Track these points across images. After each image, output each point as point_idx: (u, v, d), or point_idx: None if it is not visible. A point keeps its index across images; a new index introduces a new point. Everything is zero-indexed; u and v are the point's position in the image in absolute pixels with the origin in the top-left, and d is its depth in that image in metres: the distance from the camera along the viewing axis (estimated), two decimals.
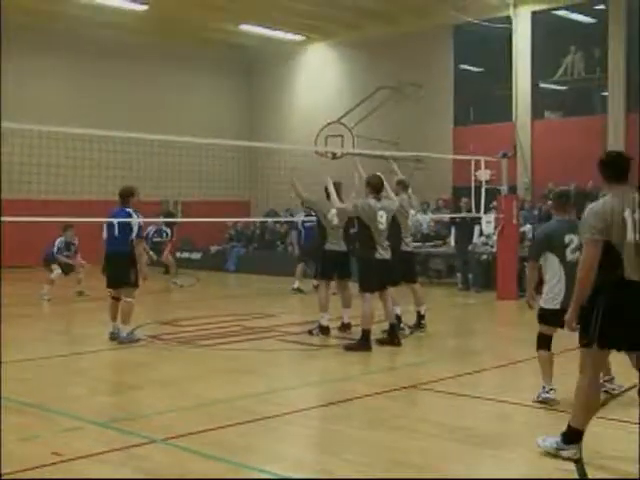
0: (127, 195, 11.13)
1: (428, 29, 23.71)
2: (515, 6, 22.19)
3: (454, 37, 24.02)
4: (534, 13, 22.25)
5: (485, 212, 17.08)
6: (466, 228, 19.03)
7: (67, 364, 9.92)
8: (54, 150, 15.11)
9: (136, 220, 10.98)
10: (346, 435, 6.62)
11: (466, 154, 17.94)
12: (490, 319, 14.90)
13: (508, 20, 22.40)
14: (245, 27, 25.22)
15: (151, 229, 18.36)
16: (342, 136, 21.13)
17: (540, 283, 7.37)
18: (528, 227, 19.73)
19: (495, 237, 17.52)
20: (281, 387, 8.61)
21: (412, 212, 12.21)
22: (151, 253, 17.74)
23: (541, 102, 22.82)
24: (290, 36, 26.53)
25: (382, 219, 10.54)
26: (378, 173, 11.26)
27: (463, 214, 17.99)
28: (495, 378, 9.21)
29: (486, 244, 19.00)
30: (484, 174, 17.08)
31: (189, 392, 8.19)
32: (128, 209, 11.07)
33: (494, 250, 17.78)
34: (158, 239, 18.71)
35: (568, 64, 22.05)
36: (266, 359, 10.38)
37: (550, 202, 13.95)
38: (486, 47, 23.62)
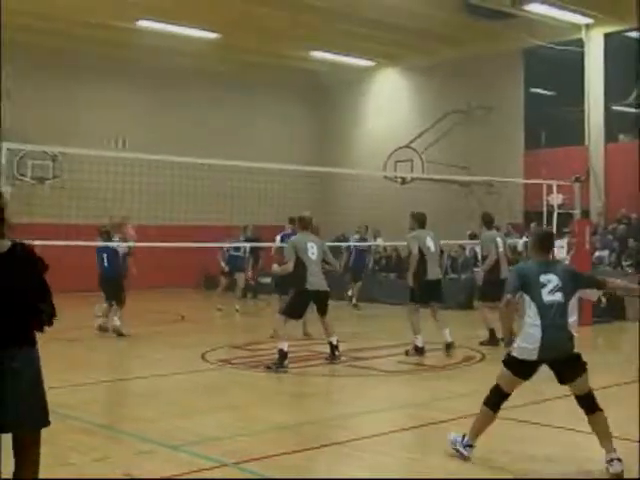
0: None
1: (498, 53, 23.59)
2: (587, 28, 21.94)
3: (524, 60, 23.85)
4: (606, 35, 21.97)
5: (558, 237, 16.84)
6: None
7: (137, 387, 10.05)
8: (129, 177, 15.46)
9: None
10: (418, 463, 6.56)
11: (538, 178, 17.76)
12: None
13: (580, 43, 22.16)
14: (315, 53, 25.44)
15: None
16: (412, 161, 21.13)
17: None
18: (605, 252, 19.44)
19: (568, 262, 17.26)
20: (350, 412, 8.58)
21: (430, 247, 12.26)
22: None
23: (614, 125, 22.47)
24: (360, 62, 26.68)
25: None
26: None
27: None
28: (562, 406, 9.02)
29: None
30: (556, 198, 16.89)
31: (259, 416, 8.23)
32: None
33: None
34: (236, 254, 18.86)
35: None
36: (336, 384, 10.37)
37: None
38: (557, 70, 23.37)
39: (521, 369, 6.31)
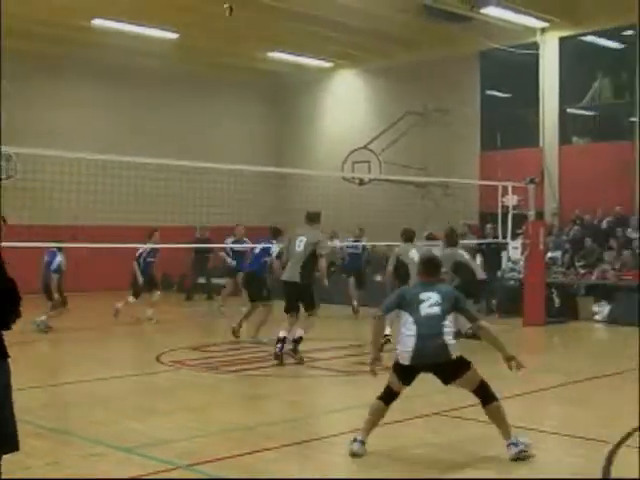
0: None
1: (455, 55, 23.77)
2: (542, 32, 22.20)
3: (481, 63, 24.05)
4: (561, 39, 22.23)
5: (512, 238, 17.03)
6: (493, 254, 18.99)
7: (90, 389, 9.98)
8: (84, 177, 15.34)
9: None
10: (367, 462, 6.60)
11: (493, 180, 17.93)
12: (516, 345, 14.73)
13: (535, 46, 22.40)
14: (274, 54, 25.42)
15: None
16: (369, 162, 21.20)
17: None
18: (559, 253, 19.69)
19: (522, 263, 17.47)
20: (306, 413, 8.62)
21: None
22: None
23: (569, 127, 22.76)
24: (318, 63, 26.71)
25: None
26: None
27: (488, 240, 17.95)
28: (517, 406, 9.13)
29: (513, 270, 18.96)
30: (511, 200, 17.07)
31: (214, 418, 8.22)
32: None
33: (521, 276, 17.73)
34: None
35: (596, 89, 21.98)
36: (291, 385, 10.38)
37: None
38: (513, 73, 23.61)
39: (402, 373, 6.75)
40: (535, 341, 15.26)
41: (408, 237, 13.65)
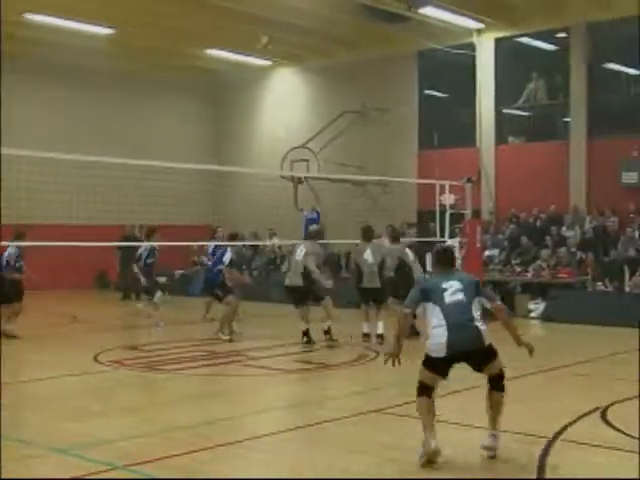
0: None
1: (393, 55, 23.90)
2: (479, 33, 22.46)
3: (418, 63, 24.22)
4: (497, 40, 22.52)
5: (450, 236, 17.19)
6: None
7: (26, 390, 9.80)
8: (15, 174, 15.06)
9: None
10: (310, 461, 6.59)
11: (431, 179, 18.07)
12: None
13: (472, 47, 22.65)
14: (211, 52, 25.26)
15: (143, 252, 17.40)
16: (308, 161, 21.20)
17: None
18: (496, 251, 19.94)
19: (460, 261, 17.63)
20: (245, 412, 8.57)
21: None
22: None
23: (504, 127, 23.06)
24: (256, 61, 26.62)
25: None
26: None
27: (426, 238, 18.06)
28: (459, 402, 9.22)
29: None
30: (448, 198, 17.23)
31: (153, 418, 8.13)
32: None
33: None
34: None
35: (531, 90, 22.32)
36: (230, 384, 10.33)
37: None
38: (450, 73, 23.85)
39: (437, 366, 6.59)
40: None
41: (366, 236, 13.84)
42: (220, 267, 14.17)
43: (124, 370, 11.07)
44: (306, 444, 7.21)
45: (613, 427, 7.44)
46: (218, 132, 28.88)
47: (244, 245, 23.13)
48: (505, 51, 22.70)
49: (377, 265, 13.57)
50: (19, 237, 13.79)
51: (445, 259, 6.99)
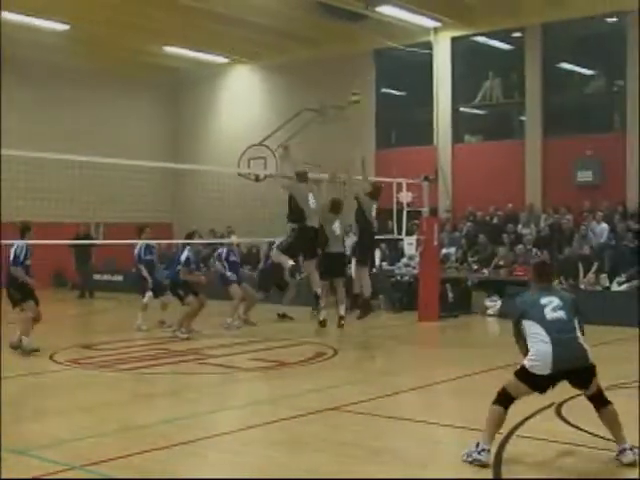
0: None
1: (351, 53, 23.95)
2: (435, 32, 22.59)
3: (376, 61, 24.30)
4: (453, 39, 22.67)
5: (407, 234, 17.26)
6: (390, 250, 19.21)
7: None
8: None
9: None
10: (267, 459, 6.59)
11: (388, 177, 18.12)
12: (411, 340, 14.98)
13: (429, 45, 22.78)
14: (169, 49, 25.11)
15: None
16: (265, 158, 21.15)
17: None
18: (452, 249, 20.08)
19: (417, 259, 17.74)
20: (202, 411, 8.54)
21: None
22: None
23: (461, 126, 23.23)
24: (214, 58, 26.52)
25: None
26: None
27: (383, 236, 18.12)
28: (414, 399, 9.28)
29: (408, 266, 19.24)
30: (406, 197, 17.29)
31: (109, 417, 8.06)
32: None
33: (416, 272, 18.00)
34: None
35: (487, 89, 22.50)
36: (187, 383, 10.28)
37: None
38: (407, 72, 23.97)
39: (538, 383, 6.37)
40: (430, 336, 15.52)
41: (335, 208, 14.24)
42: (178, 267, 14.08)
43: (81, 369, 10.97)
44: (264, 443, 7.20)
45: (567, 422, 7.54)
46: (176, 129, 28.72)
47: (201, 243, 23.11)
48: (462, 50, 22.87)
49: (342, 237, 14.42)
50: (25, 231, 12.27)
51: (545, 273, 6.83)
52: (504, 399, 6.41)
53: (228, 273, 15.83)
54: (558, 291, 6.88)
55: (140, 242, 15.29)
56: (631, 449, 6.24)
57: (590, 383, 6.40)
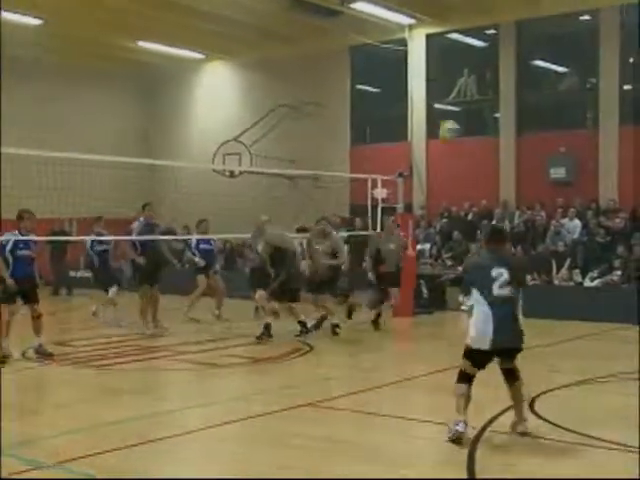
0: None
1: (326, 49, 23.94)
2: (410, 29, 22.63)
3: (351, 58, 24.30)
4: (428, 36, 22.72)
5: (381, 230, 17.27)
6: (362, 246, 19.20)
7: None
8: None
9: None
10: (242, 456, 6.58)
11: (363, 173, 18.15)
12: (386, 336, 15.00)
13: (403, 42, 22.82)
14: (144, 44, 24.96)
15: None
16: (240, 154, 21.10)
17: None
18: (427, 245, 20.14)
19: None
20: (176, 408, 8.51)
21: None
22: None
23: (436, 122, 23.29)
24: (189, 54, 26.40)
25: None
26: None
27: (358, 232, 18.16)
28: (391, 395, 9.30)
29: None
30: (380, 193, 17.32)
31: (82, 414, 8.02)
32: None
33: None
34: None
35: (461, 86, 22.58)
36: (162, 379, 10.25)
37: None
38: (382, 68, 23.99)
39: (477, 358, 6.82)
40: (404, 331, 15.56)
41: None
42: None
43: (53, 366, 10.90)
44: (239, 440, 7.19)
45: (539, 417, 7.59)
46: (150, 125, 28.57)
47: (175, 239, 23.02)
48: (436, 46, 22.93)
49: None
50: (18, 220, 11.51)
51: (498, 238, 7.18)
52: (463, 377, 6.89)
53: (196, 259, 15.85)
54: (508, 259, 7.06)
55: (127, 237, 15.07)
56: (524, 421, 6.93)
57: (514, 359, 6.90)
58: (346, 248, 15.85)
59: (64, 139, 22.93)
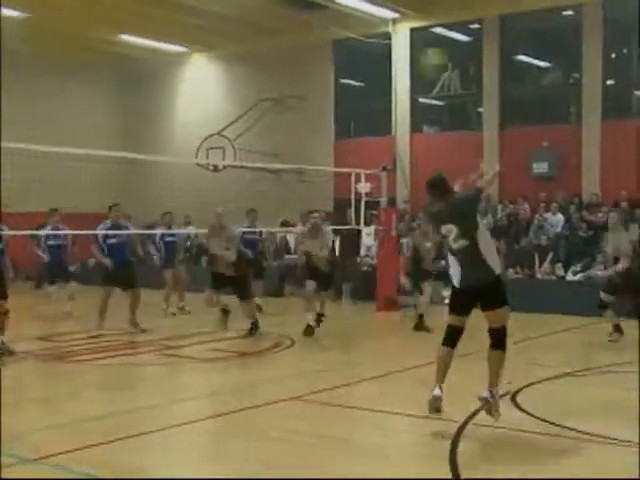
0: None
1: (310, 43, 23.88)
2: (394, 23, 22.62)
3: (334, 52, 24.26)
4: (412, 30, 22.72)
5: (365, 224, 17.30)
6: (349, 240, 19.24)
7: None
8: None
9: None
10: (225, 450, 6.56)
11: (347, 167, 18.14)
12: (370, 329, 15.03)
13: (387, 36, 22.81)
14: (126, 37, 24.84)
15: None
16: (224, 148, 21.05)
17: None
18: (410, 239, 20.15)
19: (375, 249, 17.80)
20: (159, 402, 8.48)
21: None
22: None
23: (420, 117, 23.30)
24: (172, 47, 26.30)
25: None
26: None
27: (342, 226, 18.16)
28: (374, 389, 9.31)
29: (367, 256, 19.28)
30: (364, 187, 17.32)
31: (64, 409, 7.98)
32: None
33: (374, 262, 18.05)
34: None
35: (445, 80, 22.61)
36: (144, 374, 10.22)
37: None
38: (366, 62, 23.97)
39: (454, 299, 7.17)
40: (388, 325, 15.57)
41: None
42: None
43: (35, 361, 10.84)
44: (222, 434, 7.18)
45: (522, 410, 7.61)
46: (133, 119, 28.43)
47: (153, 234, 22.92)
48: (420, 41, 22.93)
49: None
50: None
51: (436, 189, 7.51)
52: (446, 336, 7.14)
53: (155, 257, 16.01)
54: (453, 211, 7.13)
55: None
56: (490, 392, 6.85)
57: (496, 307, 6.93)
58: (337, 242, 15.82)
59: (44, 132, 22.77)
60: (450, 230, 6.98)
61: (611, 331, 12.06)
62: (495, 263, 6.97)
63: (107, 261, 13.53)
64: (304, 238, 13.63)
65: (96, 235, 13.68)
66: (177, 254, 16.51)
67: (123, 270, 13.60)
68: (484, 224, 7.26)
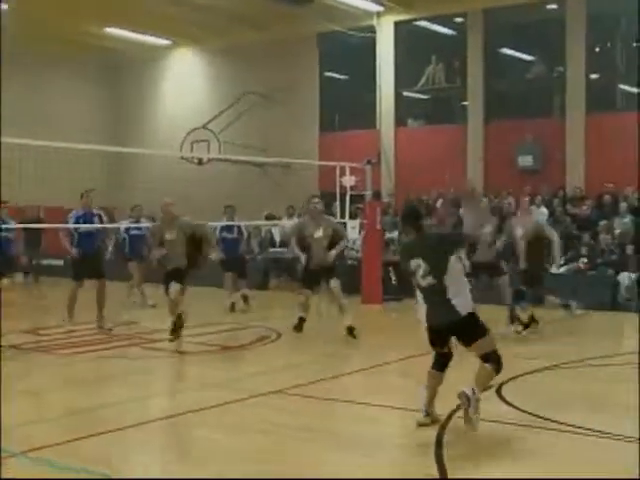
0: None
1: (294, 36, 23.88)
2: (378, 16, 22.64)
3: (319, 45, 24.27)
4: (397, 23, 22.75)
5: (350, 218, 17.32)
6: None
7: None
8: None
9: None
10: (209, 443, 6.58)
11: (332, 160, 18.16)
12: (355, 323, 15.00)
13: (372, 29, 22.82)
14: (110, 30, 24.75)
15: None
16: (208, 141, 21.02)
17: None
18: (395, 233, 20.18)
19: (360, 242, 17.83)
20: (145, 395, 8.50)
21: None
22: None
23: (404, 110, 23.34)
24: (157, 40, 26.23)
25: None
26: None
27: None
28: (359, 382, 9.35)
29: (351, 249, 19.30)
30: (349, 180, 17.34)
31: (50, 402, 7.99)
32: None
33: (359, 255, 18.09)
34: None
35: (430, 74, 22.66)
36: (131, 367, 10.21)
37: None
38: (351, 55, 24.00)
39: (430, 337, 6.97)
40: (373, 319, 15.60)
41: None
42: None
43: (19, 354, 10.82)
44: (208, 427, 7.19)
45: (507, 403, 7.66)
46: (118, 112, 28.37)
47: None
48: (405, 34, 22.97)
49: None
50: None
51: (409, 221, 6.99)
52: (434, 361, 7.02)
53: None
54: (424, 247, 6.82)
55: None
56: (468, 393, 6.48)
57: (473, 341, 6.72)
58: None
59: (27, 125, 22.65)
60: (419, 265, 6.67)
61: (526, 322, 12.24)
62: (463, 304, 6.64)
63: (74, 251, 13.09)
64: (302, 226, 12.42)
65: (67, 222, 13.28)
66: (143, 247, 16.26)
67: (92, 259, 13.23)
68: (461, 265, 6.95)
